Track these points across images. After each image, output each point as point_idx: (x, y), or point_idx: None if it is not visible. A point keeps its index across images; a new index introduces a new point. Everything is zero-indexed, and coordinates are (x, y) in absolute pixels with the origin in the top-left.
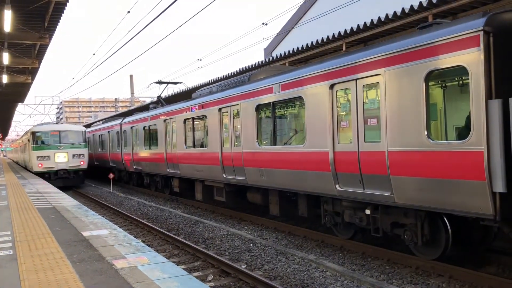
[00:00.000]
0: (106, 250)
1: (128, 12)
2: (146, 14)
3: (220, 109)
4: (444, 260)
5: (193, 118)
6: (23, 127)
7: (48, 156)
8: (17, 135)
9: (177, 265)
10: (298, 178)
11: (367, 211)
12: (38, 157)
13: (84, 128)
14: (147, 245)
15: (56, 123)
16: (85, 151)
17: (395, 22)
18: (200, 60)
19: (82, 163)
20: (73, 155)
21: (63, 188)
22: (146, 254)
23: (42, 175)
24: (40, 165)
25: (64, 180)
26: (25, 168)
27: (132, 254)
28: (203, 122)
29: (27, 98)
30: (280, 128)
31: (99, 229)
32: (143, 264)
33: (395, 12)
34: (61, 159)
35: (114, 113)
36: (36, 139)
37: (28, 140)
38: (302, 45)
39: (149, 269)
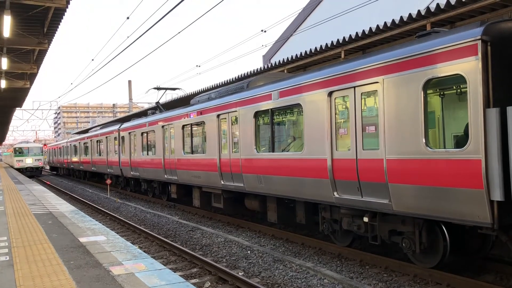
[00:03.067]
0: (103, 256)
1: (127, 18)
2: (145, 20)
3: (218, 116)
4: (442, 268)
5: (191, 124)
6: (21, 132)
7: (22, 160)
8: (14, 140)
9: (174, 272)
10: (296, 185)
11: (365, 219)
12: (16, 160)
13: (41, 145)
14: (144, 251)
15: (27, 142)
16: (41, 157)
17: (393, 30)
18: (199, 66)
19: (40, 163)
20: (35, 159)
21: (31, 177)
22: (143, 261)
23: (19, 170)
24: (18, 164)
25: (30, 172)
26: (11, 166)
27: (129, 261)
28: (201, 128)
29: (25, 103)
30: (279, 135)
31: (96, 235)
32: (140, 270)
33: (393, 20)
34: (28, 161)
35: (112, 119)
36: (16, 151)
37: (12, 151)
38: (301, 52)
39: (146, 276)
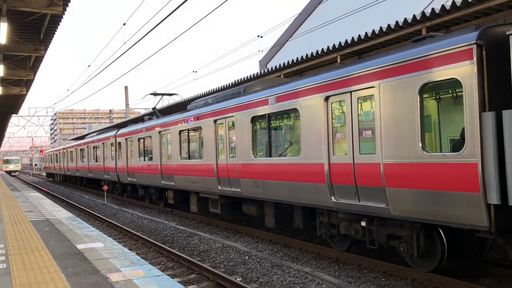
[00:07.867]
0: (101, 263)
1: (124, 24)
2: (141, 26)
3: (215, 121)
4: (440, 272)
5: (188, 130)
6: (17, 138)
7: (8, 166)
8: (10, 146)
9: (172, 278)
10: (294, 189)
11: (363, 223)
12: (4, 166)
13: (19, 157)
14: (141, 258)
15: (11, 155)
16: (19, 165)
17: (389, 35)
18: (196, 72)
19: (18, 168)
20: (15, 165)
21: (14, 177)
22: (141, 267)
23: (6, 172)
24: (5, 168)
25: (12, 173)
26: (1, 169)
27: (127, 267)
28: (198, 134)
29: (21, 110)
30: (276, 139)
31: (94, 242)
32: (138, 277)
33: (389, 25)
34: (11, 167)
35: (108, 125)
36: (4, 161)
37: (1, 161)
38: (297, 57)
39: (145, 282)
